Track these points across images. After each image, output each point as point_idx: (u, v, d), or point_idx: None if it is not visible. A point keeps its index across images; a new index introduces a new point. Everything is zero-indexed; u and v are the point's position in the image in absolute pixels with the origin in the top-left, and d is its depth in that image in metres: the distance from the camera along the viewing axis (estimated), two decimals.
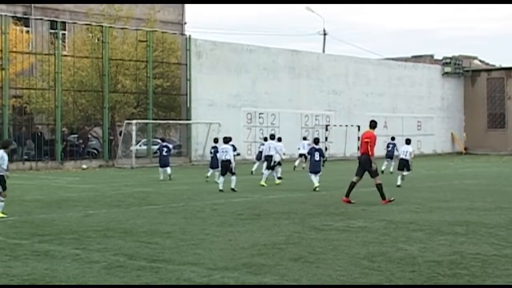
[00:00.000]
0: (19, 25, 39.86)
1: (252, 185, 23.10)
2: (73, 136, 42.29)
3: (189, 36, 42.50)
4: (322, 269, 9.13)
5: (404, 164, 23.43)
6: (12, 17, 38.92)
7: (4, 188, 14.88)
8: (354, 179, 17.42)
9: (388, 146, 30.74)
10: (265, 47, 45.63)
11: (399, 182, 22.58)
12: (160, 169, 27.31)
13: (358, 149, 17.84)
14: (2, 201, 14.85)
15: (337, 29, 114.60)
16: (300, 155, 33.09)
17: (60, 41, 37.76)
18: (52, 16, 44.22)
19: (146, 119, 39.60)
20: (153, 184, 24.82)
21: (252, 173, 28.99)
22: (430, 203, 17.19)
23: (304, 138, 36.04)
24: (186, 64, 41.10)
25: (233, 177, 21.06)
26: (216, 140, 26.25)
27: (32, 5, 45.99)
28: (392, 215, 14.80)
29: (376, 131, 18.02)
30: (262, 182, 23.38)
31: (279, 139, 28.48)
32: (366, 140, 17.40)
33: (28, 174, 31.69)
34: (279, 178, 24.56)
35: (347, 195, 17.36)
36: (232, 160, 21.25)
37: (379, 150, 23.13)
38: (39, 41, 39.33)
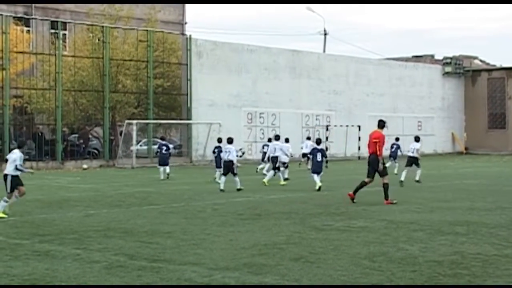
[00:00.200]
0: (19, 25, 39.87)
1: (253, 185, 23.10)
2: (73, 136, 42.32)
3: (190, 36, 42.51)
4: (323, 269, 9.13)
5: (412, 161, 23.68)
6: (13, 17, 38.93)
7: (12, 190, 14.83)
8: (366, 179, 17.42)
9: (392, 147, 30.50)
10: (265, 47, 45.63)
11: (402, 178, 23.14)
12: (160, 168, 27.34)
13: (367, 149, 17.71)
14: (6, 201, 14.85)
15: (338, 29, 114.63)
16: (304, 155, 33.08)
17: (61, 41, 37.76)
18: (52, 16, 44.23)
19: (147, 119, 39.62)
20: (154, 184, 24.82)
21: (257, 171, 29.16)
22: (431, 203, 17.19)
23: (308, 138, 35.89)
24: (187, 64, 41.11)
25: (236, 178, 21.09)
26: (219, 140, 26.28)
27: (33, 5, 46.01)
28: (393, 215, 14.80)
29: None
30: (265, 181, 23.49)
31: (287, 140, 28.55)
32: (375, 140, 17.37)
33: (28, 174, 31.66)
34: (286, 179, 24.54)
35: (355, 192, 17.38)
36: (235, 161, 21.30)
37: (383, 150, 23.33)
38: (39, 41, 39.34)
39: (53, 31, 40.01)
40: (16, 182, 14.87)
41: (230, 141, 21.92)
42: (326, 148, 43.25)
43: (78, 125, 42.19)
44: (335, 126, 47.61)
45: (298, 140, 39.79)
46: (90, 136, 42.88)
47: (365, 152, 47.61)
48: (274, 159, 24.84)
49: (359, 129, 47.88)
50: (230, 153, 21.25)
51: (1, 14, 36.07)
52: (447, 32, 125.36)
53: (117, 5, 43.50)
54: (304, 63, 47.10)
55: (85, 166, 35.83)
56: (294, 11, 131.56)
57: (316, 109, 47.20)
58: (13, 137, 37.02)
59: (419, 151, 24.05)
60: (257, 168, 29.67)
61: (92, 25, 40.61)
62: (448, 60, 56.97)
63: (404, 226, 13.03)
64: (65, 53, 39.78)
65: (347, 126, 47.79)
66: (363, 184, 17.46)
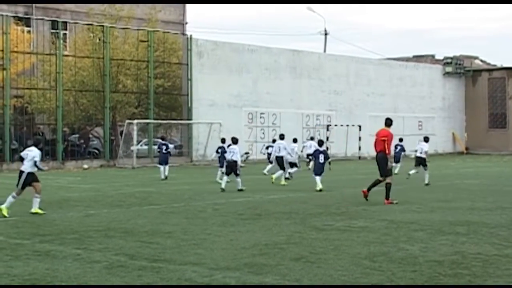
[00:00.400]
0: (20, 25, 39.86)
1: (253, 185, 23.10)
2: (74, 136, 42.31)
3: (190, 36, 42.52)
4: (323, 269, 9.13)
5: (420, 162, 23.80)
6: (14, 17, 38.93)
7: (24, 187, 14.93)
8: (380, 178, 17.39)
9: (396, 148, 30.06)
10: (266, 47, 45.63)
11: (411, 172, 23.94)
12: (161, 168, 27.35)
13: (374, 148, 17.69)
14: (14, 197, 14.94)
15: (338, 29, 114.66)
16: (308, 155, 33.04)
17: (61, 41, 37.77)
18: (53, 16, 44.23)
19: (147, 119, 39.62)
20: (155, 184, 24.82)
21: (265, 174, 29.17)
22: (431, 203, 17.19)
23: (311, 138, 35.74)
24: (187, 64, 41.12)
25: (238, 179, 21.11)
26: (223, 141, 26.36)
27: (33, 5, 46.00)
28: (393, 215, 14.80)
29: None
30: (283, 182, 23.62)
31: (295, 140, 28.55)
32: (383, 138, 17.34)
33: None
34: (287, 178, 24.60)
35: (369, 189, 17.40)
36: (239, 162, 21.36)
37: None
38: (40, 41, 39.33)
39: (53, 31, 40.01)
40: (31, 179, 14.95)
41: (235, 141, 21.94)
42: (327, 148, 43.26)
43: (79, 125, 42.19)
44: (335, 126, 47.61)
45: (298, 140, 39.75)
46: (90, 136, 42.88)
47: (365, 152, 47.96)
48: (279, 159, 24.86)
49: (360, 129, 47.91)
50: (234, 153, 21.27)
51: (2, 14, 36.09)
52: (448, 32, 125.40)
53: (117, 5, 43.49)
54: (304, 63, 47.10)
55: (85, 166, 35.83)
56: (294, 11, 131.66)
57: (317, 109, 47.20)
58: (14, 137, 37.05)
59: (427, 152, 24.14)
60: (265, 173, 29.63)
61: (92, 25, 40.60)
62: (449, 60, 56.96)
63: (404, 226, 13.03)
64: (66, 53, 39.78)
65: (347, 126, 47.79)
66: (377, 182, 17.43)
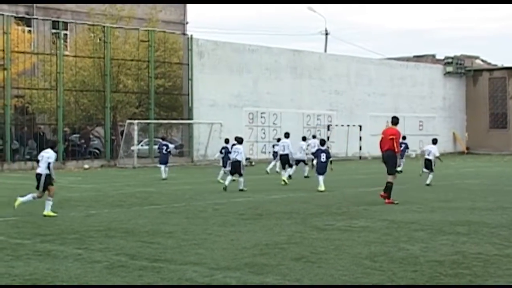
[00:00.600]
0: (21, 25, 39.87)
1: (254, 185, 23.09)
2: (75, 136, 42.32)
3: (191, 36, 42.53)
4: (324, 269, 9.13)
5: (427, 164, 23.80)
6: (14, 17, 38.93)
7: (45, 189, 15.03)
8: (394, 177, 17.39)
9: (400, 145, 30.30)
10: (267, 47, 45.62)
11: (428, 181, 23.25)
12: (161, 168, 27.37)
13: (380, 147, 17.70)
14: (34, 198, 15.08)
15: (339, 29, 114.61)
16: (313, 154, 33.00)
17: (62, 41, 37.78)
18: (54, 16, 44.23)
19: (148, 119, 39.62)
20: (155, 184, 24.83)
21: (267, 173, 29.21)
22: (432, 203, 17.18)
23: (314, 137, 35.72)
24: (188, 64, 41.11)
25: (241, 179, 21.14)
26: (227, 141, 26.43)
27: (34, 5, 46.02)
28: (394, 215, 14.79)
29: (381, 131, 17.99)
30: (284, 179, 23.71)
31: (304, 138, 28.57)
32: (391, 137, 17.36)
33: (30, 174, 31.65)
34: (289, 177, 24.67)
35: (389, 196, 17.34)
36: (243, 162, 21.42)
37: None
38: (41, 41, 39.34)
39: (54, 31, 40.02)
40: (49, 181, 15.00)
41: (240, 140, 21.98)
42: (328, 148, 43.26)
43: (79, 125, 42.20)
44: (336, 126, 47.60)
45: (299, 140, 39.72)
46: (91, 136, 42.89)
47: (366, 152, 47.91)
48: (284, 157, 24.89)
49: (360, 129, 47.91)
50: (238, 153, 21.30)
51: (3, 14, 36.09)
52: (448, 32, 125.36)
53: (118, 5, 43.49)
54: (305, 63, 47.09)
55: (86, 166, 35.84)
56: (295, 11, 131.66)
57: (318, 109, 47.19)
58: (15, 137, 37.06)
59: (435, 154, 24.22)
60: (267, 171, 29.63)
61: (93, 25, 40.61)
62: (449, 60, 56.92)
63: (405, 226, 13.03)
64: (67, 53, 39.78)
65: (348, 126, 47.78)
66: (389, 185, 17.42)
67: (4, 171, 33.42)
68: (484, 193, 20.14)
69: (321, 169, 21.23)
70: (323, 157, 21.20)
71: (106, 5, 43.53)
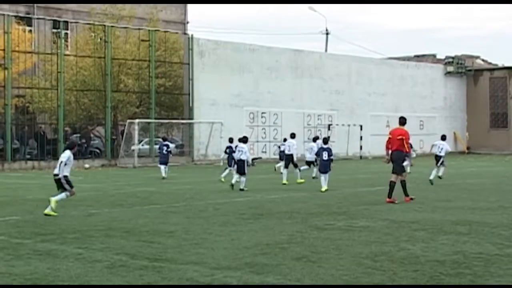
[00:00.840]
0: (21, 25, 39.88)
1: (254, 184, 23.08)
2: (75, 135, 42.29)
3: (192, 35, 42.54)
4: (325, 268, 9.12)
5: (437, 160, 24.03)
6: (15, 16, 38.95)
7: (71, 186, 15.14)
8: (399, 177, 17.40)
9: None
10: (267, 46, 45.63)
11: (440, 173, 23.96)
12: (161, 167, 27.37)
13: (387, 147, 17.73)
14: (67, 196, 15.13)
15: (340, 28, 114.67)
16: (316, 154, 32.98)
17: (63, 41, 37.78)
18: (54, 15, 44.25)
19: (149, 118, 39.62)
20: (156, 183, 24.83)
21: (275, 170, 29.25)
22: (433, 203, 17.16)
23: (316, 138, 35.65)
24: (189, 64, 41.11)
25: (243, 178, 21.17)
26: (231, 140, 26.48)
27: (35, 4, 46.04)
28: (395, 214, 14.78)
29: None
30: (284, 181, 23.73)
31: (314, 139, 28.57)
32: (400, 137, 17.43)
33: (30, 173, 31.74)
34: (313, 177, 24.87)
35: (406, 194, 17.41)
36: (249, 161, 21.48)
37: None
38: (41, 41, 39.35)
39: (55, 30, 40.04)
40: (67, 181, 15.09)
41: (244, 140, 22.07)
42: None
43: (80, 125, 42.20)
44: (337, 125, 47.59)
45: (300, 139, 39.76)
46: (92, 135, 42.88)
47: (366, 151, 47.88)
48: (289, 157, 24.94)
49: (361, 129, 47.91)
50: (242, 152, 21.36)
51: (3, 14, 36.09)
52: (449, 32, 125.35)
53: (119, 5, 43.53)
54: (306, 63, 47.09)
55: (87, 165, 35.84)
56: (296, 11, 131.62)
57: (318, 108, 47.18)
58: (15, 137, 37.07)
59: (448, 150, 24.41)
60: (275, 168, 29.71)
61: (94, 24, 40.62)
62: (450, 60, 56.92)
63: (406, 226, 13.02)
64: (67, 52, 39.79)
65: (349, 125, 47.78)
66: (404, 184, 17.45)
67: (5, 171, 33.43)
68: (485, 193, 20.12)
69: (323, 167, 21.22)
70: (325, 155, 21.20)
71: (107, 4, 43.56)
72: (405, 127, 17.89)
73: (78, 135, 42.66)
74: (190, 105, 40.99)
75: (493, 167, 36.41)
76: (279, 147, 32.14)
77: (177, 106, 42.65)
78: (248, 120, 43.28)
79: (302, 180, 23.92)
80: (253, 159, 22.69)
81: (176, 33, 45.28)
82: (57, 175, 15.15)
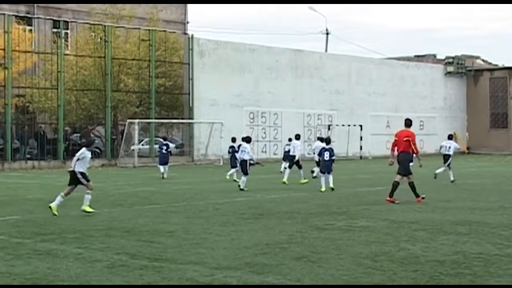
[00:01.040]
0: (22, 24, 39.86)
1: (255, 184, 23.07)
2: (75, 135, 42.31)
3: (192, 35, 42.52)
4: (325, 268, 9.11)
5: (447, 159, 24.14)
6: (15, 16, 38.93)
7: (88, 180, 15.29)
8: (407, 178, 17.42)
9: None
10: (267, 46, 45.61)
11: (438, 170, 24.16)
12: (161, 168, 27.37)
13: (395, 149, 17.76)
14: (88, 193, 15.15)
15: (340, 28, 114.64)
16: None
17: (63, 40, 37.77)
18: (54, 15, 44.24)
19: (149, 118, 39.60)
20: (156, 183, 24.82)
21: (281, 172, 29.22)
22: (433, 203, 17.15)
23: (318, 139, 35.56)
24: (189, 64, 41.10)
25: (244, 178, 21.24)
26: (233, 140, 26.49)
27: (35, 4, 46.02)
28: (395, 214, 14.78)
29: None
30: (284, 180, 23.84)
31: (322, 140, 28.56)
32: (406, 138, 17.46)
33: (30, 173, 31.73)
34: (314, 177, 24.87)
35: (416, 195, 17.39)
36: (254, 159, 21.50)
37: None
38: (41, 40, 39.35)
39: (55, 30, 40.03)
40: (82, 176, 15.17)
41: (248, 140, 22.15)
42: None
43: (80, 124, 42.19)
44: (337, 125, 47.58)
45: (301, 139, 39.73)
46: (92, 135, 42.84)
47: (366, 152, 47.81)
48: (293, 158, 24.97)
49: (361, 129, 47.88)
50: (245, 152, 21.39)
51: (3, 14, 36.08)
52: (449, 32, 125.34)
53: (119, 5, 43.53)
54: (306, 63, 47.07)
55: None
56: (296, 11, 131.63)
57: (318, 108, 47.17)
58: (15, 136, 37.07)
59: (457, 147, 24.50)
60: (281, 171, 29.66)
61: (94, 24, 40.62)
62: (450, 60, 56.89)
63: (406, 226, 13.02)
64: (67, 52, 39.77)
65: (349, 125, 47.75)
66: (413, 185, 17.44)
67: (5, 170, 33.42)
68: (485, 193, 20.12)
69: (324, 168, 21.22)
70: (326, 155, 21.20)
71: (107, 4, 43.55)
72: (411, 129, 17.94)
73: (78, 134, 42.66)
74: (190, 105, 40.98)
75: (493, 167, 36.41)
76: (285, 147, 32.06)
77: (177, 106, 42.64)
78: (248, 120, 43.28)
79: (306, 181, 23.90)
80: (256, 163, 22.72)
81: (176, 33, 45.28)
82: (71, 169, 15.40)
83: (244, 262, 9.50)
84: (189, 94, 41.04)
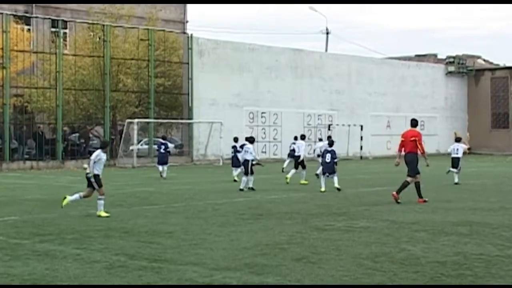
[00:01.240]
0: (20, 24, 39.77)
1: (254, 184, 22.99)
2: (74, 135, 42.26)
3: (191, 35, 42.47)
4: (325, 269, 9.07)
5: (456, 162, 24.12)
6: (13, 15, 38.86)
7: (100, 186, 15.14)
8: (415, 178, 17.36)
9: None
10: (267, 46, 45.56)
11: (456, 180, 23.77)
12: (160, 168, 27.31)
13: (402, 149, 17.78)
14: (101, 199, 15.02)
15: (340, 28, 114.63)
16: (318, 156, 32.88)
17: (61, 40, 37.70)
18: (53, 14, 44.17)
19: (148, 118, 39.55)
20: (155, 183, 24.78)
21: (283, 171, 29.26)
22: (434, 203, 17.11)
23: (320, 140, 35.61)
24: (188, 63, 41.05)
25: (244, 178, 21.29)
26: (236, 140, 26.47)
27: (33, 3, 45.96)
28: (395, 215, 14.74)
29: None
30: (287, 177, 23.90)
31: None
32: (413, 138, 17.52)
33: (29, 174, 31.67)
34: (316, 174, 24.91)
35: (420, 196, 17.37)
36: (257, 159, 21.53)
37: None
38: (40, 40, 39.28)
39: (53, 29, 39.97)
40: (97, 180, 15.14)
41: (251, 140, 22.23)
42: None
43: (79, 124, 42.12)
44: (337, 125, 47.53)
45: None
46: (90, 135, 42.81)
47: (367, 152, 47.75)
48: (297, 158, 24.97)
49: (361, 129, 47.83)
50: (247, 152, 21.41)
51: (2, 13, 36.01)
52: (450, 31, 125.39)
53: (118, 4, 43.45)
54: (306, 62, 47.02)
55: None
56: (296, 10, 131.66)
57: (318, 108, 47.12)
58: (14, 136, 37.00)
59: (465, 148, 24.52)
60: (283, 169, 29.68)
61: (93, 23, 40.55)
62: (451, 60, 56.86)
63: (406, 227, 12.97)
64: (66, 51, 39.69)
65: (349, 125, 47.70)
66: (418, 185, 17.44)
67: (3, 171, 33.36)
68: (486, 194, 20.09)
69: (326, 169, 21.17)
70: (328, 157, 21.16)
71: (106, 4, 43.47)
72: (417, 128, 17.95)
73: (77, 134, 42.61)
74: (190, 104, 40.93)
75: (494, 167, 36.39)
76: (290, 146, 32.05)
77: (176, 105, 42.59)
78: (248, 120, 43.23)
79: (306, 182, 23.84)
80: (257, 163, 22.69)
81: (176, 32, 45.22)
82: (88, 173, 15.36)
83: (244, 263, 9.46)
84: (188, 94, 40.99)
